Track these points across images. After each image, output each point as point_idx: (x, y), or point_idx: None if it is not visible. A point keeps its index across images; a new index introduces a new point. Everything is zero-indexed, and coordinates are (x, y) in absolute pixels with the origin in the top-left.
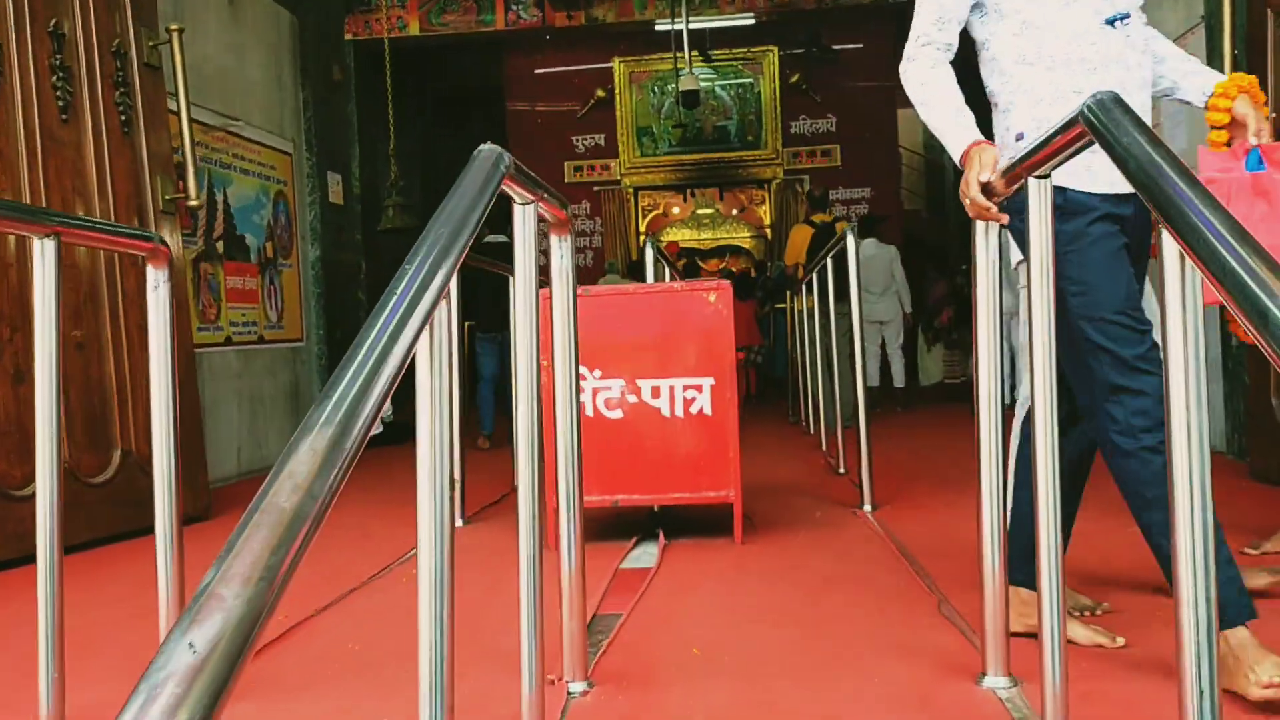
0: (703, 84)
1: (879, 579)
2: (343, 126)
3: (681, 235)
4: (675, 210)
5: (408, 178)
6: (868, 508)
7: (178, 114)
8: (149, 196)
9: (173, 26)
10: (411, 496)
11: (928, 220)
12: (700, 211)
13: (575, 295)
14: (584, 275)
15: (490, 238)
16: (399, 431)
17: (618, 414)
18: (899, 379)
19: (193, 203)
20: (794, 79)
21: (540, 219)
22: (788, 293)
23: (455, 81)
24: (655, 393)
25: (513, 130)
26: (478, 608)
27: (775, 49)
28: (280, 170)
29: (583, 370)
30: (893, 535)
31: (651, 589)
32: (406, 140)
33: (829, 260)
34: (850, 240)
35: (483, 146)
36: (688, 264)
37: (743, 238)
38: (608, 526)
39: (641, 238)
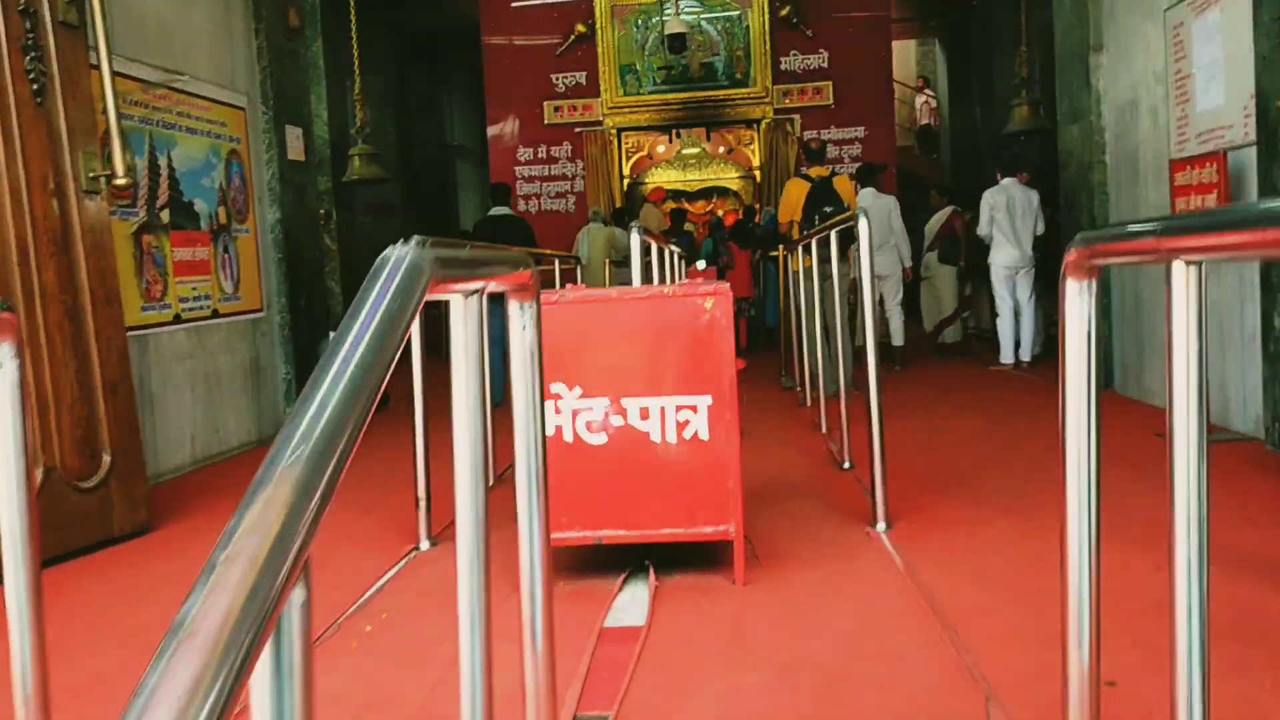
0: (688, 18)
1: (909, 657)
2: (302, 75)
3: (667, 177)
4: (660, 149)
5: (381, 121)
6: (881, 525)
7: (100, 79)
8: (69, 176)
9: None
10: (375, 507)
11: (920, 158)
12: (686, 152)
13: (541, 378)
14: (566, 222)
15: (494, 210)
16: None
17: (601, 438)
18: (897, 337)
19: (120, 181)
20: (784, 12)
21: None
22: (780, 245)
23: (429, 17)
24: (644, 414)
25: (489, 68)
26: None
27: None
28: (233, 127)
29: (559, 388)
30: (917, 576)
31: (642, 668)
32: (378, 79)
33: (818, 216)
34: (863, 225)
35: (389, 251)
36: (674, 211)
37: (730, 179)
38: (593, 557)
39: (625, 181)
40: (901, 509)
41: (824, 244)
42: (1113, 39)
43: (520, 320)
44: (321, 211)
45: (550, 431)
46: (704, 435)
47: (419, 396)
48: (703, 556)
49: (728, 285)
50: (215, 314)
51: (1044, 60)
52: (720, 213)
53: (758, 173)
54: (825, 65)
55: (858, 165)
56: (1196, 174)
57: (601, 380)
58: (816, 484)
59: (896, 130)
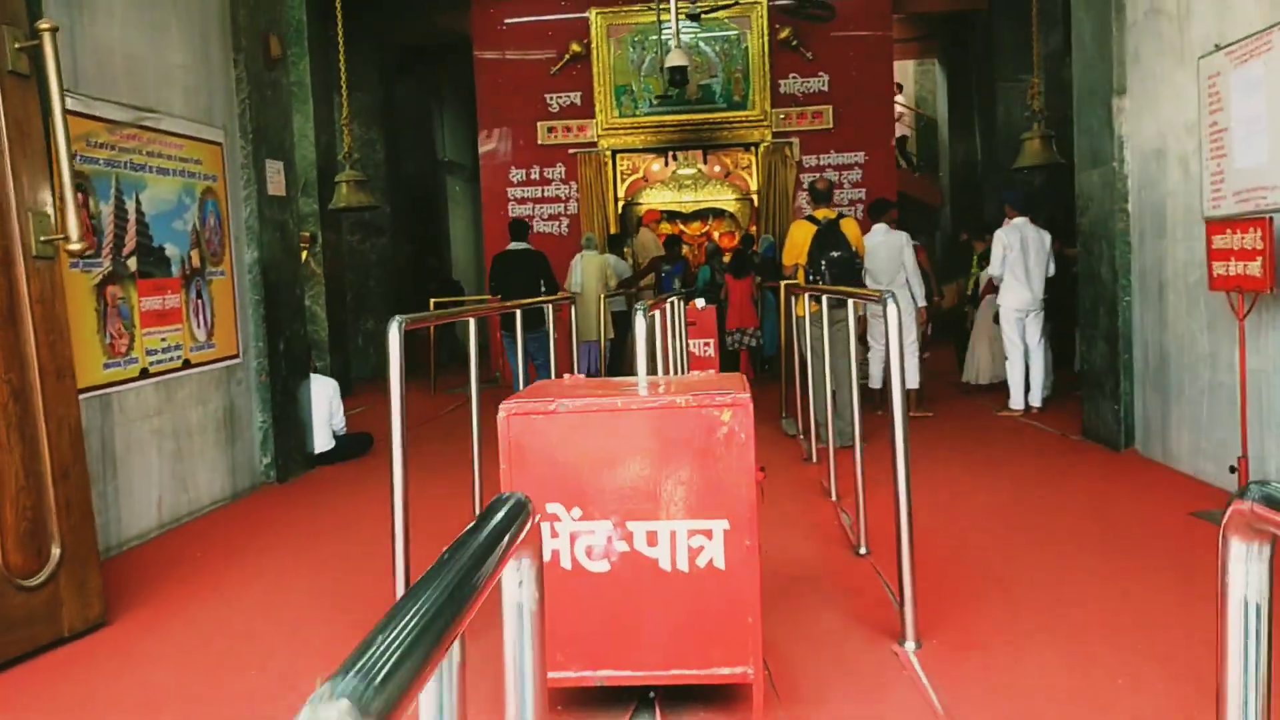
0: (686, 37)
1: None
2: (283, 105)
3: (662, 198)
4: (655, 168)
5: (369, 137)
6: (910, 645)
7: (51, 134)
8: (18, 241)
9: (43, 25)
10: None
11: (918, 180)
12: (682, 173)
13: (542, 649)
14: (560, 245)
15: (512, 245)
16: (354, 446)
17: (603, 566)
18: (911, 379)
19: (74, 246)
20: (784, 34)
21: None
22: (779, 276)
23: (419, 30)
24: (652, 539)
25: (481, 85)
26: None
27: (764, 1)
28: (208, 164)
29: (556, 509)
30: None
31: None
32: (367, 95)
33: (824, 261)
34: (891, 314)
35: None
36: (670, 239)
37: (727, 201)
38: (590, 690)
39: (619, 204)
40: (930, 619)
41: (841, 285)
42: (1138, 82)
43: (516, 575)
44: (306, 234)
45: (546, 558)
46: (720, 564)
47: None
48: (715, 691)
49: (748, 398)
50: (186, 364)
51: (1050, 85)
52: (716, 235)
53: (755, 197)
54: (825, 89)
55: (870, 202)
56: (1238, 239)
57: (604, 500)
58: (831, 576)
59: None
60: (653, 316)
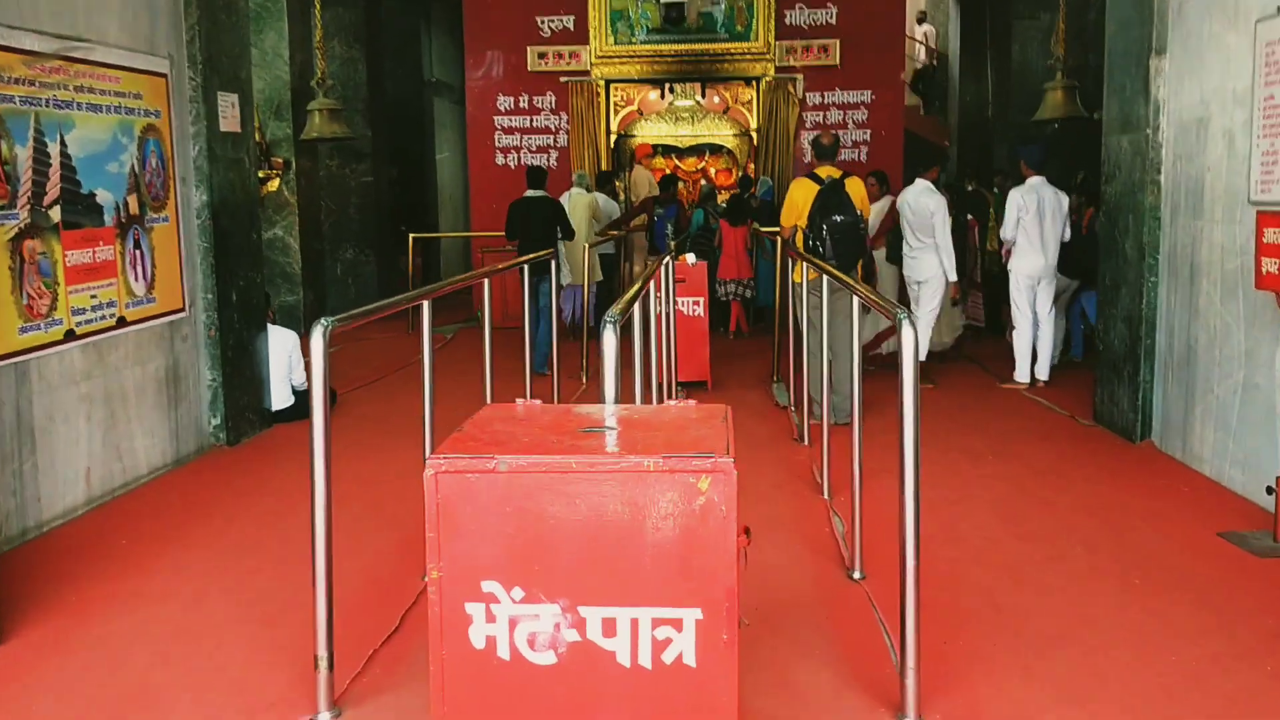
0: None
1: None
2: (239, 31)
3: (657, 131)
4: (653, 96)
5: (350, 57)
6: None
7: None
8: None
9: None
10: None
11: (926, 119)
12: (679, 104)
13: None
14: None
15: (529, 192)
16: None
17: (548, 658)
18: (922, 350)
19: None
20: None
21: None
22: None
23: None
24: (609, 627)
25: (470, 6)
26: None
27: None
28: (150, 98)
29: (493, 588)
30: None
31: None
32: (349, 12)
33: (826, 225)
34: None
35: None
36: (665, 179)
37: (725, 136)
38: None
39: (612, 137)
40: (932, 678)
41: (843, 253)
42: (1180, 43)
43: None
44: (279, 160)
45: (480, 644)
46: (690, 660)
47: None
48: None
49: (731, 462)
50: (122, 322)
51: (1072, 28)
52: (713, 172)
53: (755, 134)
54: (833, 21)
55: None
56: None
57: (552, 579)
58: (819, 608)
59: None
60: (622, 328)
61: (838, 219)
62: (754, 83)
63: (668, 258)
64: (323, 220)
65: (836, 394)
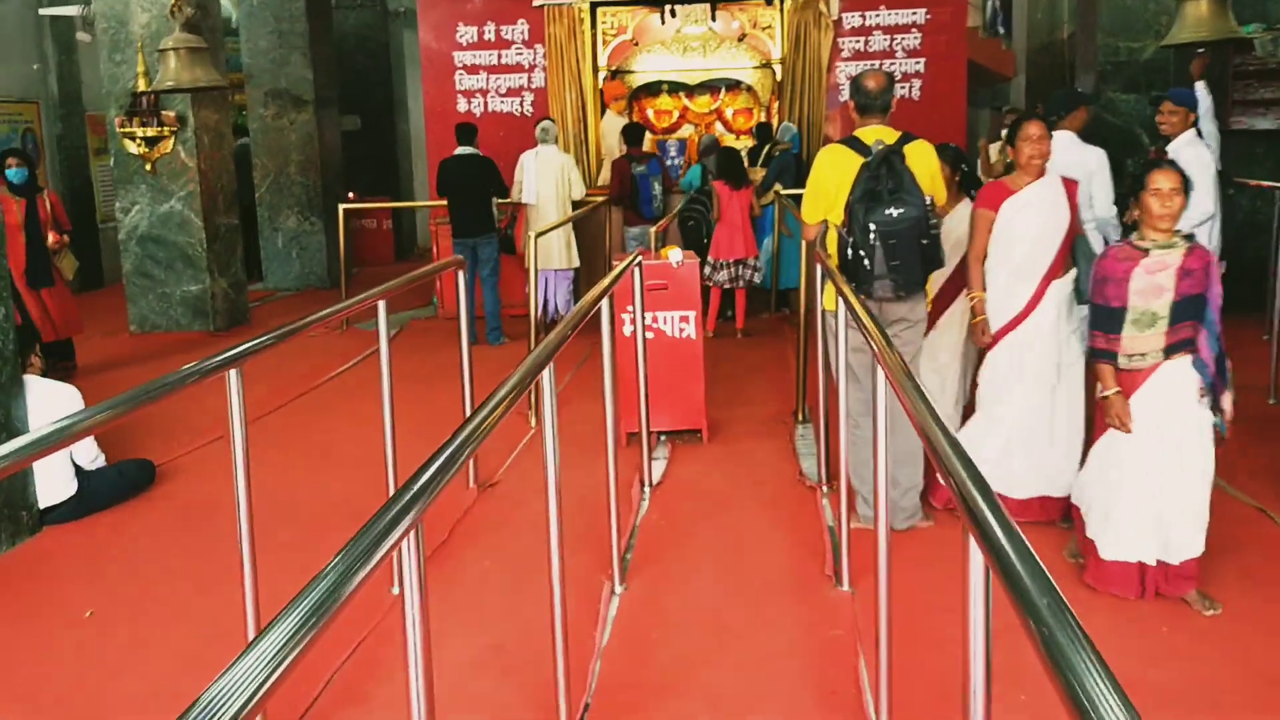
0: None
1: None
2: None
3: (658, 66)
4: (651, 22)
5: None
6: None
7: None
8: None
9: None
10: None
11: (985, 43)
12: (687, 32)
13: None
14: (522, 130)
15: (459, 150)
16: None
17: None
18: None
19: None
20: None
21: None
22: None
23: None
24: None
25: None
26: None
27: None
28: None
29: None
30: None
31: None
32: None
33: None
34: None
35: None
36: (628, 128)
37: (742, 69)
38: None
39: (601, 75)
40: None
41: (903, 268)
42: None
43: None
44: (170, 114)
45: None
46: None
47: None
48: None
49: None
50: None
51: None
52: (729, 112)
53: (778, 66)
54: None
55: (1052, 95)
56: None
57: None
58: None
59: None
60: None
61: (892, 212)
62: (775, 2)
63: (638, 256)
64: (258, 183)
65: (895, 485)
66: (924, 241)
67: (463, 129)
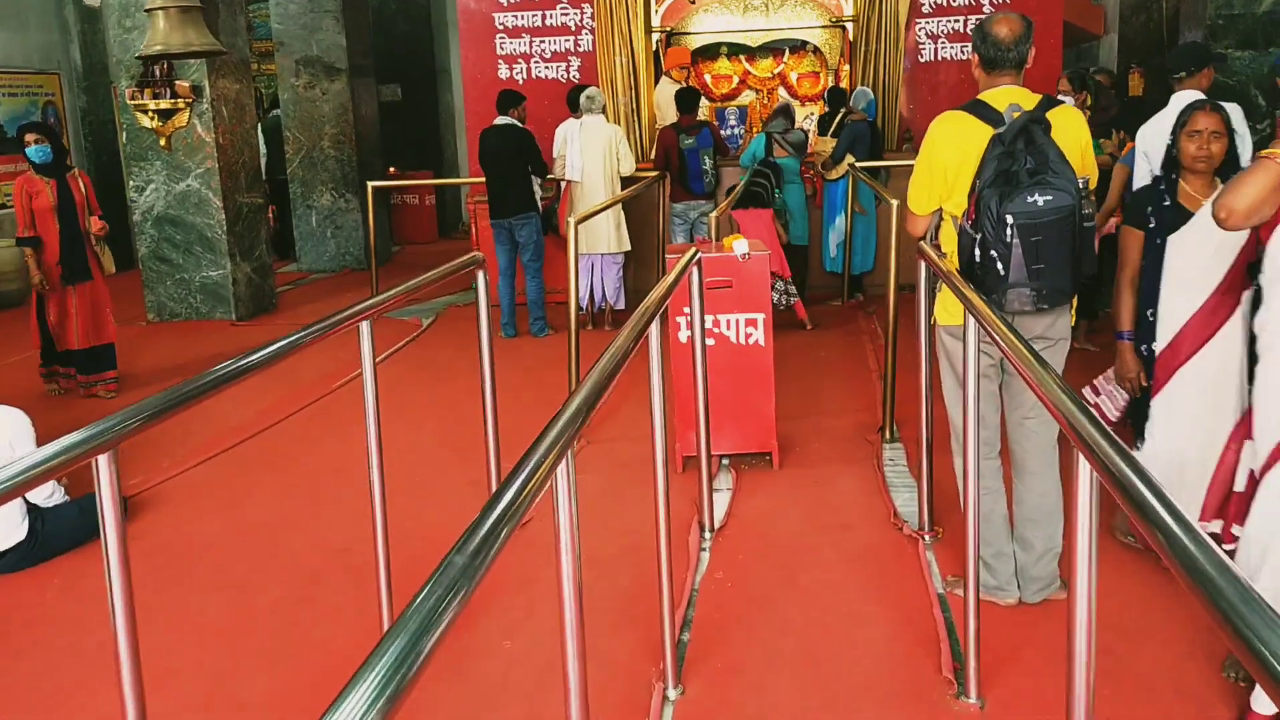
0: None
1: None
2: None
3: (716, 25)
4: None
5: None
6: None
7: None
8: None
9: None
10: None
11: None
12: None
13: None
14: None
15: (498, 120)
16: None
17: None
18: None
19: None
20: None
21: None
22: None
23: None
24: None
25: None
26: None
27: None
28: None
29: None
30: None
31: None
32: None
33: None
34: None
35: None
36: (682, 92)
37: (810, 28)
38: None
39: (655, 38)
40: None
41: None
42: None
43: None
44: (184, 85)
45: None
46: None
47: None
48: None
49: None
50: None
51: None
52: (794, 77)
53: (849, 24)
54: None
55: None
56: None
57: None
58: None
59: None
60: None
61: (1037, 200)
62: None
63: (696, 252)
64: (290, 158)
65: (1027, 547)
66: (1077, 237)
67: (503, 96)
